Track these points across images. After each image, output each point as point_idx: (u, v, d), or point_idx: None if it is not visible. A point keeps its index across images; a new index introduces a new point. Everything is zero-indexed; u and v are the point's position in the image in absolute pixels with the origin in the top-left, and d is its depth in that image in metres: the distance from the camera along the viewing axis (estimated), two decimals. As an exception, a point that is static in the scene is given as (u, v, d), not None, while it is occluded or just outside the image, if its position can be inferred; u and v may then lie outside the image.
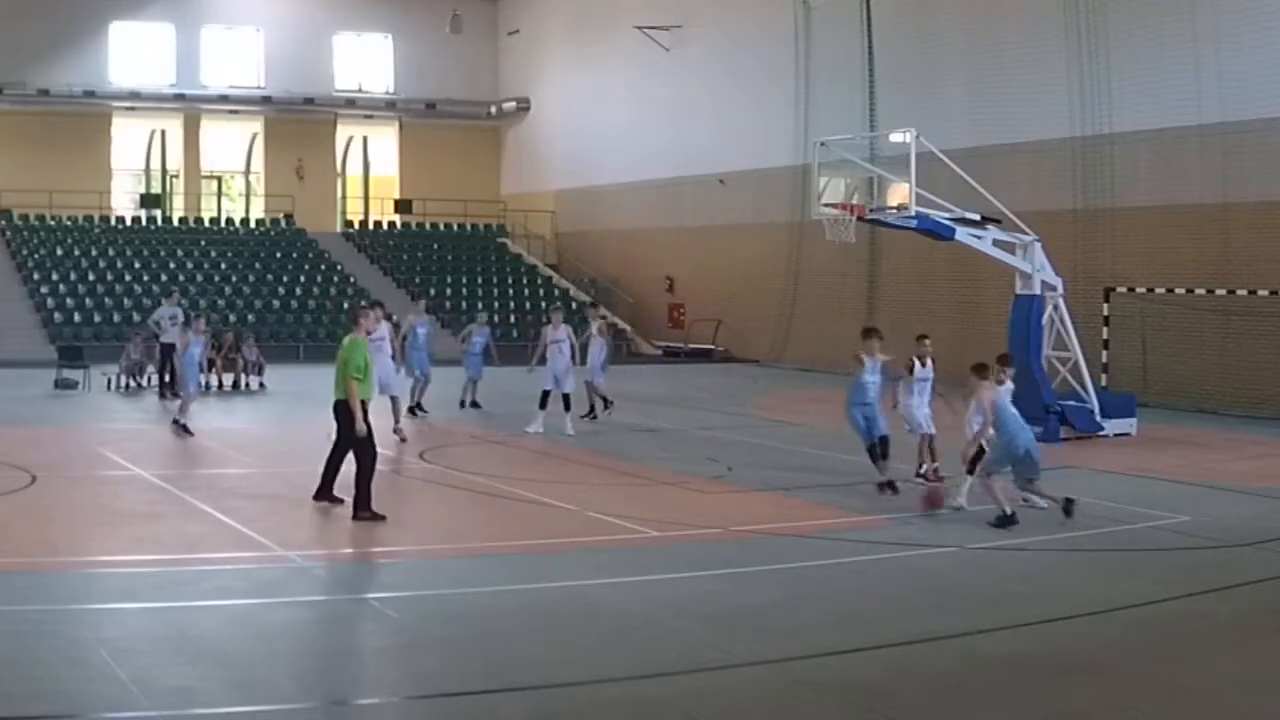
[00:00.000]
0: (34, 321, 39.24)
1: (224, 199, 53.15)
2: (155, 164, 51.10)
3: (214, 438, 20.62)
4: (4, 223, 45.86)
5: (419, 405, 24.77)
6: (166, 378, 27.40)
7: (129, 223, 48.19)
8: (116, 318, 38.99)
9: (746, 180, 41.52)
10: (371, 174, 54.33)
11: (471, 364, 26.41)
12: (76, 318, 39.27)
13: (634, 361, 40.11)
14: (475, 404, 26.14)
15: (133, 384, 29.34)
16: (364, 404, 14.58)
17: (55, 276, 41.77)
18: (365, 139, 54.09)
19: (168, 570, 12.07)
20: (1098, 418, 23.21)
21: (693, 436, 21.77)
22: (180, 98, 49.80)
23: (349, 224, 52.76)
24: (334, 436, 14.99)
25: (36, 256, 43.14)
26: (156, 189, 50.76)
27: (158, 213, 49.29)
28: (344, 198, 53.89)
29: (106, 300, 40.53)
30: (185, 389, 22.01)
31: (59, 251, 43.65)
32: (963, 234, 23.09)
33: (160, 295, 36.50)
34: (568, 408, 22.50)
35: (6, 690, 8.41)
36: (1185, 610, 11.46)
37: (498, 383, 26.75)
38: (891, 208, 23.80)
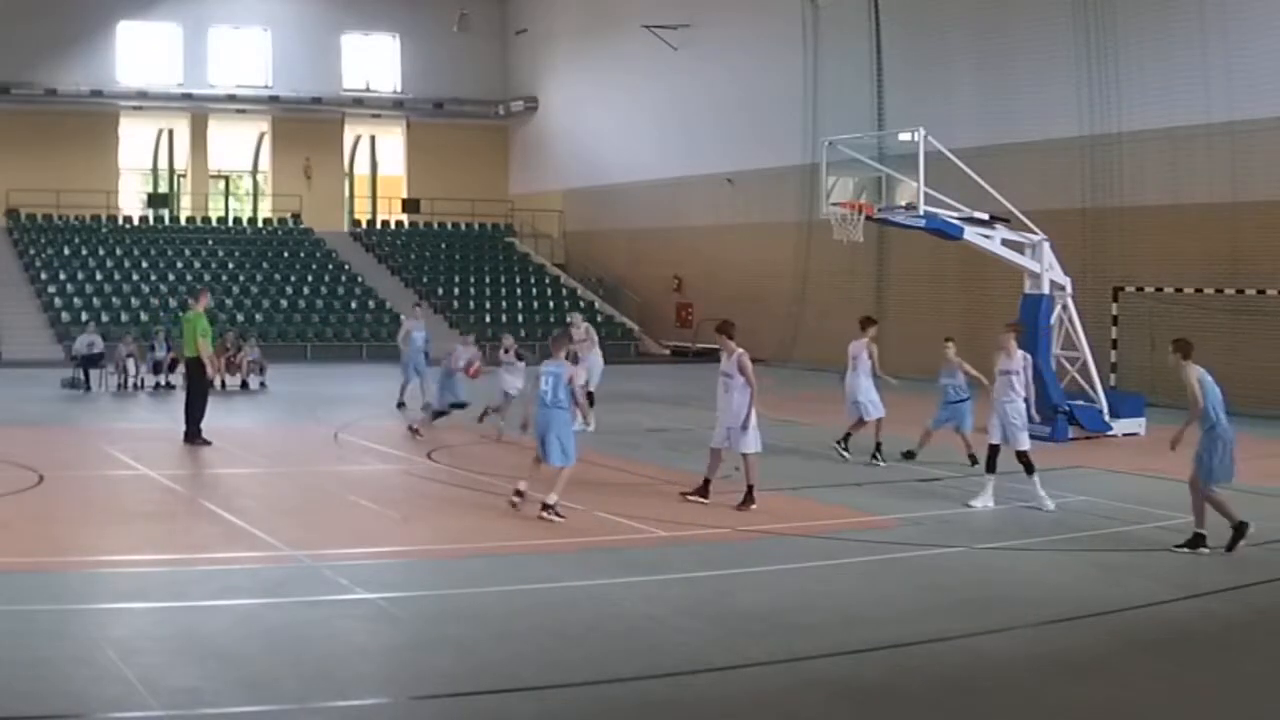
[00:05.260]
0: (41, 321, 39.30)
1: (231, 198, 53.26)
2: (163, 164, 51.29)
3: (221, 437, 20.61)
4: (12, 222, 45.96)
5: (425, 404, 25.27)
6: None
7: (136, 222, 48.29)
8: (124, 318, 39.01)
9: (755, 179, 41.49)
10: (379, 173, 54.42)
11: (415, 361, 26.38)
12: (84, 317, 39.29)
13: (642, 361, 40.11)
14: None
15: (131, 384, 29.40)
16: None
17: (63, 276, 41.84)
18: (373, 138, 54.17)
19: (175, 570, 12.09)
20: (1106, 418, 23.16)
21: (700, 436, 21.70)
22: (188, 97, 49.87)
23: (356, 223, 52.88)
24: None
25: (44, 256, 43.22)
26: (164, 189, 50.93)
27: (165, 212, 49.41)
28: (351, 197, 54.02)
29: (114, 300, 40.57)
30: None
31: (66, 251, 43.73)
32: (971, 233, 23.07)
33: (168, 296, 36.59)
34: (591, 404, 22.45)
35: (14, 689, 8.41)
36: (1191, 610, 11.44)
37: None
38: (900, 207, 23.77)
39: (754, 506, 15.46)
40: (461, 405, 22.14)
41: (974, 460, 18.33)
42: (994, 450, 16.13)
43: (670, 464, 19.12)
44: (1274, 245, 26.84)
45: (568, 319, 24.28)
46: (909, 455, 19.48)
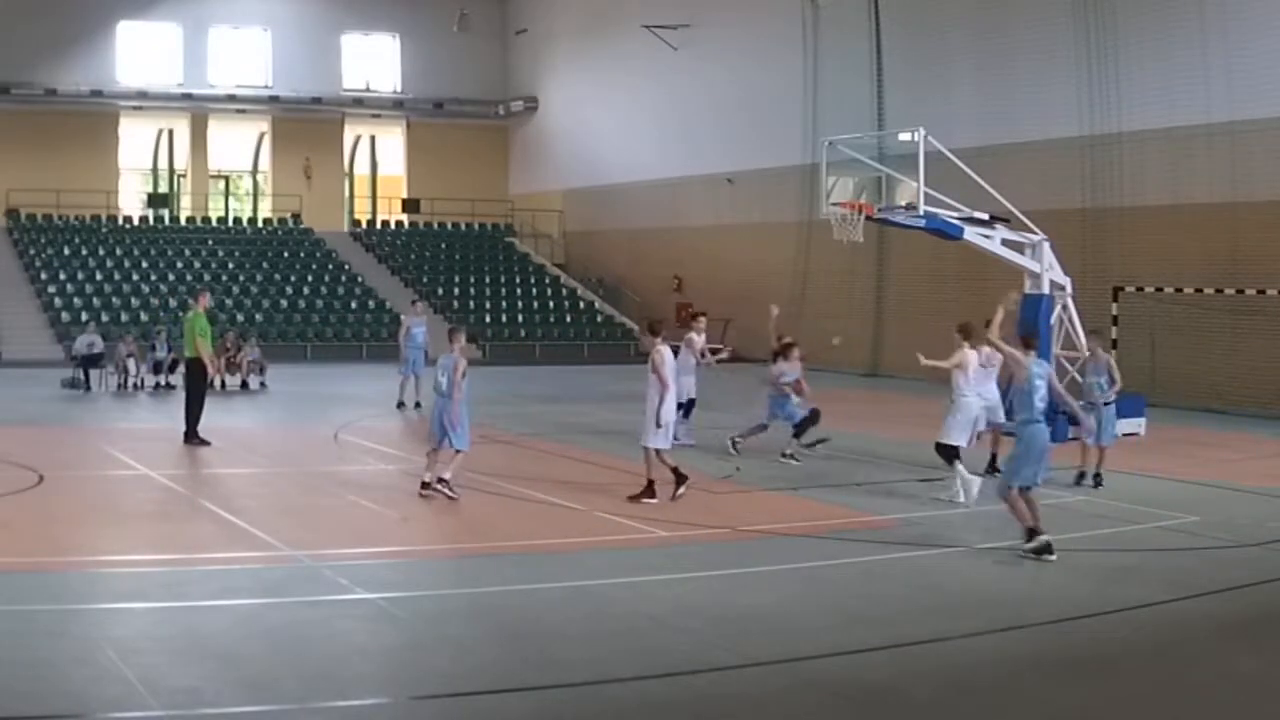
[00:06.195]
0: (41, 321, 39.28)
1: (231, 198, 53.25)
2: (163, 164, 51.27)
3: (221, 437, 20.61)
4: (11, 222, 45.94)
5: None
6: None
7: (136, 222, 48.27)
8: (124, 317, 39.00)
9: (755, 179, 41.48)
10: (379, 173, 54.39)
11: (415, 359, 26.28)
12: (84, 317, 39.27)
13: (642, 361, 39.97)
14: (419, 404, 25.96)
15: (131, 384, 29.41)
16: None
17: (63, 276, 41.83)
18: (373, 138, 54.16)
19: (175, 570, 12.08)
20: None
21: (701, 436, 21.71)
22: (188, 97, 49.85)
23: (356, 223, 52.86)
24: None
25: (44, 256, 43.21)
26: (164, 189, 50.92)
27: (165, 212, 49.38)
28: (351, 197, 54.01)
29: (114, 300, 40.56)
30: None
31: (66, 251, 43.72)
32: (971, 233, 23.06)
33: (168, 296, 36.53)
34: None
35: (14, 689, 8.41)
36: (1192, 610, 11.43)
37: (512, 382, 26.70)
38: (900, 207, 23.76)
39: (651, 501, 15.59)
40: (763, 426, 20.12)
41: (1088, 476, 17.58)
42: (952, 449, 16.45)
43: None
44: (1274, 245, 26.83)
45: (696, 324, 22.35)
46: (1084, 478, 17.74)
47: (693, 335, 22.02)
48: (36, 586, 11.24)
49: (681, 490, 15.88)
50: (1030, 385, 13.22)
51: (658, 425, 15.74)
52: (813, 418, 20.01)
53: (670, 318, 45.13)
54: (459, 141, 53.25)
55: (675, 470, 15.99)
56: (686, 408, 21.26)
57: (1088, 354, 18.40)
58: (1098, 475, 17.60)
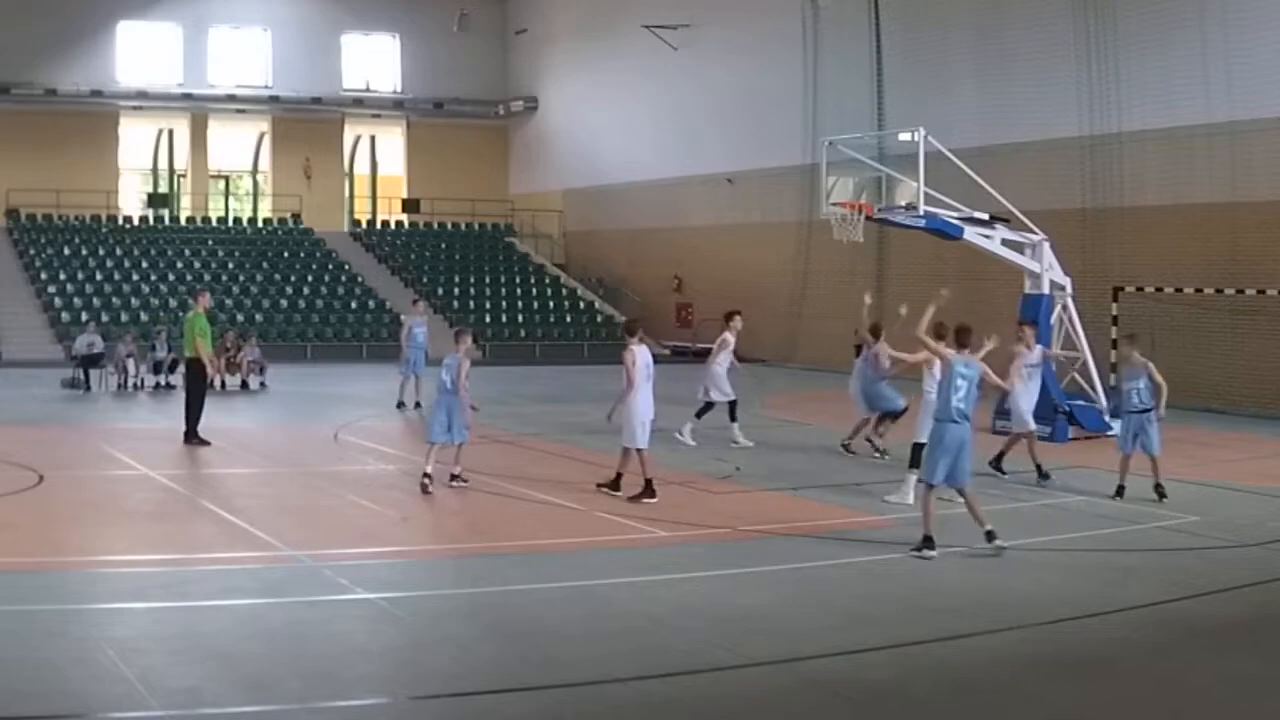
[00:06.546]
0: (41, 321, 39.29)
1: (231, 198, 53.25)
2: (163, 164, 51.22)
3: (221, 437, 20.61)
4: (12, 223, 45.93)
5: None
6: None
7: (136, 222, 48.26)
8: (124, 317, 39.00)
9: (755, 179, 41.49)
10: (379, 173, 54.37)
11: (416, 359, 26.24)
12: (84, 317, 39.25)
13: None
14: (419, 404, 25.81)
15: (131, 384, 29.41)
16: None
17: (63, 276, 41.83)
18: (373, 138, 54.12)
19: (175, 570, 12.08)
20: (1106, 418, 23.14)
21: (701, 436, 21.73)
22: (188, 97, 49.85)
23: (356, 223, 52.83)
24: None
25: (44, 256, 43.21)
26: (164, 189, 50.88)
27: (165, 212, 49.37)
28: (351, 197, 53.97)
29: (114, 300, 40.56)
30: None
31: (66, 251, 43.72)
32: (971, 233, 23.09)
33: (168, 296, 36.44)
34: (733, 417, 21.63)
35: (14, 689, 8.41)
36: (1191, 611, 11.42)
37: (512, 382, 26.67)
38: (900, 207, 23.77)
39: (650, 501, 15.67)
40: (898, 412, 19.71)
41: (1161, 493, 16.36)
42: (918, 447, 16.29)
43: (672, 465, 19.09)
44: (1274, 245, 26.83)
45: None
46: (1123, 492, 16.60)
47: (727, 335, 22.09)
48: (36, 586, 11.25)
49: (608, 491, 16.08)
50: (950, 384, 13.07)
51: (627, 423, 16.04)
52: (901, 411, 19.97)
53: (670, 318, 45.40)
54: (459, 141, 53.24)
55: (618, 476, 16.18)
56: (731, 409, 21.38)
57: (1121, 359, 17.53)
58: (1158, 485, 16.47)
